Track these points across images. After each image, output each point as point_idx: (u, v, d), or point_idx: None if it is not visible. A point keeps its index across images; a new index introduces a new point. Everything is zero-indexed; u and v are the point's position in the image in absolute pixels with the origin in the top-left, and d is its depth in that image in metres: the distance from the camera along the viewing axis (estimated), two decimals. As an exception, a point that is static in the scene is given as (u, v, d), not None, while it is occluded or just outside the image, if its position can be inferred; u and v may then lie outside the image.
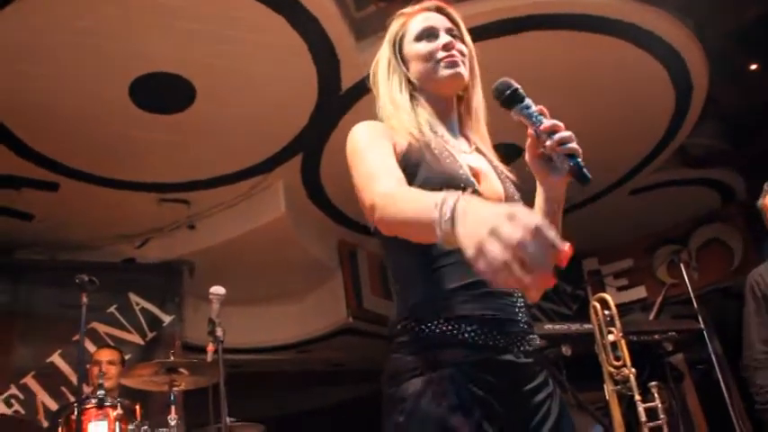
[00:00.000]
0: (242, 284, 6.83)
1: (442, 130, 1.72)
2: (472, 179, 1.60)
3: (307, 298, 7.58)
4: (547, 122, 1.51)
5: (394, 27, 1.82)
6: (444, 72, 1.70)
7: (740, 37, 5.14)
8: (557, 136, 1.48)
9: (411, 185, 1.49)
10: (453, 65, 1.70)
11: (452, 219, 1.11)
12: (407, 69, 1.76)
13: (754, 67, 5.59)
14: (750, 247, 7.08)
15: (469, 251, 1.02)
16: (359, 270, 7.26)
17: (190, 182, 5.91)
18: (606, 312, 3.43)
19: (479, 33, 4.43)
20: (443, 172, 1.56)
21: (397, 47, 1.79)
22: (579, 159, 1.48)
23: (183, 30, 4.33)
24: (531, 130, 1.55)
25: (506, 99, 1.59)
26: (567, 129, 1.48)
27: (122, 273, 6.49)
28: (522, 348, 1.54)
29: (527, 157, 1.62)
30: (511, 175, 1.76)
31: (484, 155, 1.76)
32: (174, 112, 5.04)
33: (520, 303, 1.57)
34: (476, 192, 1.57)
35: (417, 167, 1.57)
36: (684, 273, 5.50)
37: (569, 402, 4.39)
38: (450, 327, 1.49)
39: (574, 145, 1.48)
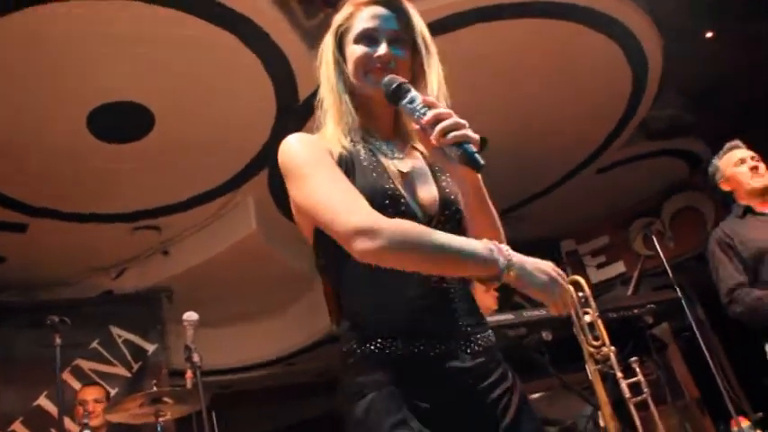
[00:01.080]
0: (223, 304, 6.82)
1: (375, 135, 1.70)
2: (400, 191, 1.58)
3: (289, 310, 7.57)
4: (429, 114, 1.48)
5: (339, 17, 1.74)
6: (369, 85, 1.65)
7: (693, 6, 5.17)
8: (439, 126, 1.44)
9: None
10: (378, 81, 1.63)
11: (509, 265, 1.42)
12: (346, 65, 1.70)
13: (709, 35, 5.63)
14: (721, 210, 7.12)
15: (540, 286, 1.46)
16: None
17: (159, 207, 5.87)
18: (580, 294, 3.45)
19: (445, 26, 4.51)
20: (369, 187, 1.54)
21: (338, 40, 1.73)
22: (468, 145, 1.43)
23: (135, 56, 4.30)
24: (415, 125, 1.53)
25: (391, 95, 1.58)
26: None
27: (101, 306, 6.45)
28: (468, 351, 1.53)
29: (425, 151, 1.61)
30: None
31: (422, 154, 1.73)
32: (135, 139, 5.00)
33: (460, 307, 1.57)
34: (404, 204, 1.56)
35: (355, 179, 1.56)
36: (657, 244, 5.53)
37: (555, 386, 4.42)
38: (387, 344, 1.49)
39: (459, 132, 1.44)
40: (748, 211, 3.58)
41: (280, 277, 6.86)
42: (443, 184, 1.67)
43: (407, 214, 1.54)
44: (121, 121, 4.81)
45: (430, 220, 1.59)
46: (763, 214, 3.55)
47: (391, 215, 1.49)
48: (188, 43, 4.31)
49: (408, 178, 1.64)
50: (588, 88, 5.62)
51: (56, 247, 5.99)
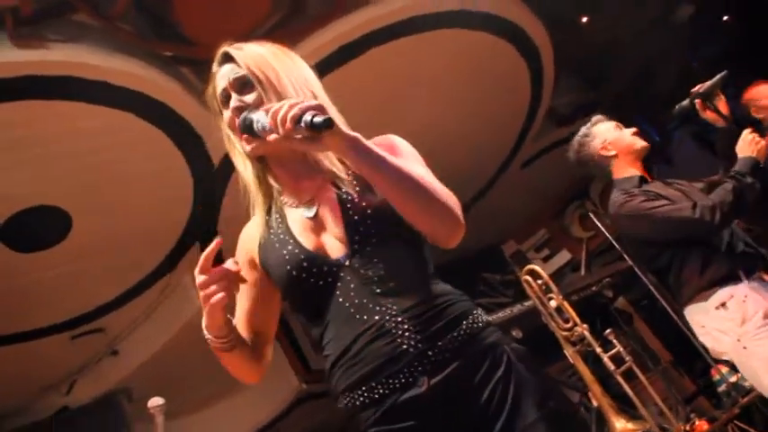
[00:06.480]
0: (187, 390, 6.56)
1: (285, 193, 1.71)
2: (299, 248, 1.60)
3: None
4: (269, 118, 1.46)
5: (210, 93, 1.74)
6: (246, 147, 1.66)
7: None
8: (277, 120, 1.42)
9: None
10: (248, 141, 1.64)
11: None
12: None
13: (585, 19, 5.84)
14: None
15: None
16: (295, 334, 7.09)
17: (96, 308, 5.60)
18: (539, 282, 3.44)
19: (323, 67, 4.50)
20: (275, 263, 1.63)
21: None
22: (305, 116, 1.39)
23: (36, 158, 4.13)
24: (271, 138, 1.49)
25: (247, 132, 1.58)
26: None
27: (59, 427, 6.08)
28: (429, 368, 1.50)
29: (305, 152, 1.62)
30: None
31: (333, 186, 1.66)
32: (54, 244, 4.77)
33: (401, 330, 1.52)
34: (305, 258, 1.59)
35: (267, 261, 1.69)
36: (597, 221, 5.62)
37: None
38: (352, 396, 1.55)
39: (293, 111, 1.40)
40: (643, 180, 3.24)
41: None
42: (348, 205, 1.62)
43: (315, 265, 1.58)
44: (37, 228, 4.59)
45: (352, 253, 1.58)
46: (653, 181, 3.26)
47: (299, 276, 1.58)
48: (87, 132, 4.17)
49: (316, 222, 1.64)
50: (492, 88, 5.70)
51: (-4, 377, 5.67)
